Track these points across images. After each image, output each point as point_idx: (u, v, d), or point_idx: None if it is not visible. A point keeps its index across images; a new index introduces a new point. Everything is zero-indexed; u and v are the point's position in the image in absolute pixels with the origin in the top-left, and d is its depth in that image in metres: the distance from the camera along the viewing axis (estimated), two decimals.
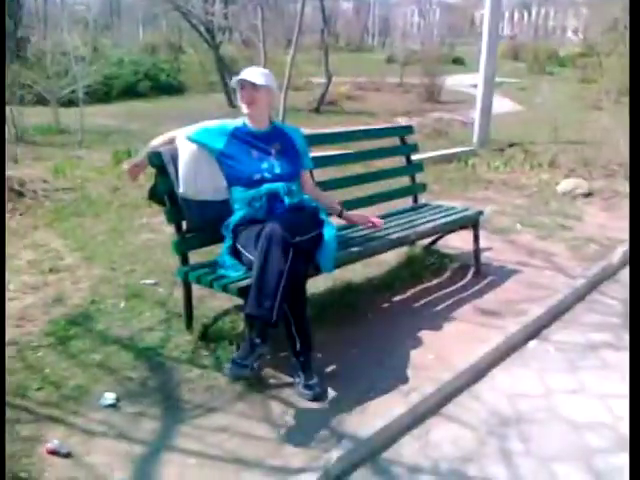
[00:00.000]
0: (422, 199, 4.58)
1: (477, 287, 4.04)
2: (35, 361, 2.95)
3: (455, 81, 18.75)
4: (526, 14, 55.81)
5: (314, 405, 2.74)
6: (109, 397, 2.67)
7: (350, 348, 3.23)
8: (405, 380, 2.95)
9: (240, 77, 3.05)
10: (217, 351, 3.05)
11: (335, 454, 2.35)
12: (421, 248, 4.39)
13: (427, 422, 2.69)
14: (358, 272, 4.01)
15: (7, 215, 5.22)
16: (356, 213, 3.56)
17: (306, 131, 3.48)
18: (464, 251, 4.47)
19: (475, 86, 11.21)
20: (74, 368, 2.90)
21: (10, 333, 3.19)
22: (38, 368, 2.89)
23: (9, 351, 3.02)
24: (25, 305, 3.54)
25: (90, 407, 2.63)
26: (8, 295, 3.66)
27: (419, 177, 4.53)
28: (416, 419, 2.69)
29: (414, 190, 4.46)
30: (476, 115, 8.94)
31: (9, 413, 2.55)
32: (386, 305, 3.75)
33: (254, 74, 3.06)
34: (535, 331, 3.51)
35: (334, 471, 2.32)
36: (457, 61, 26.75)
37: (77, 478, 2.23)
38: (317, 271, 3.04)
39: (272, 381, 2.89)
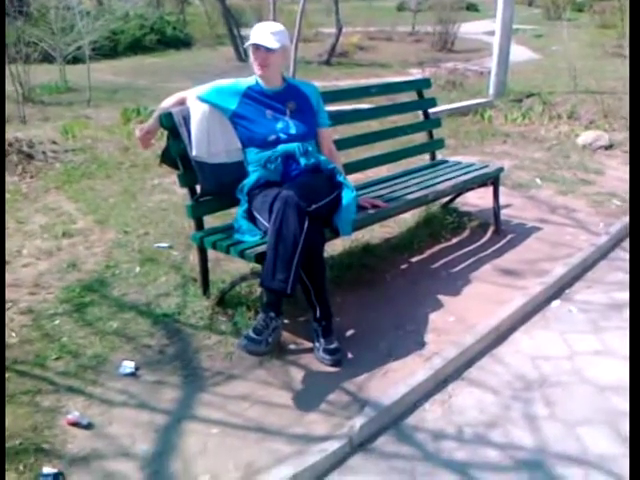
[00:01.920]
0: (439, 155, 4.47)
1: (497, 246, 3.95)
2: (52, 330, 2.93)
3: (469, 28, 18.23)
4: None
5: (335, 370, 2.70)
6: (128, 365, 2.65)
7: (369, 311, 3.18)
8: (426, 344, 2.91)
9: (254, 41, 2.90)
10: (235, 317, 3.00)
11: (358, 421, 2.33)
12: (439, 206, 4.29)
13: (450, 387, 2.66)
14: (376, 232, 3.94)
15: (16, 178, 5.17)
16: (362, 197, 3.32)
17: (318, 85, 3.34)
18: (483, 208, 4.37)
19: (490, 33, 10.87)
20: (91, 336, 2.88)
21: (25, 301, 3.18)
22: (55, 337, 2.87)
23: (25, 320, 3.01)
24: (39, 271, 3.50)
25: (109, 376, 2.61)
26: (22, 261, 3.64)
27: (436, 133, 4.39)
28: (438, 384, 2.65)
29: (432, 147, 4.34)
30: (493, 64, 8.65)
31: (29, 383, 2.54)
32: (405, 266, 3.69)
33: (267, 36, 2.88)
34: (557, 291, 3.44)
35: (358, 439, 2.29)
36: (471, 7, 25.90)
37: (100, 449, 2.23)
38: (335, 234, 2.96)
39: (292, 347, 2.86)
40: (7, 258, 3.66)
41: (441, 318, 3.13)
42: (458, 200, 4.36)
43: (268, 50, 2.90)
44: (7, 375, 2.59)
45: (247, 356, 2.72)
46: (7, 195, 4.76)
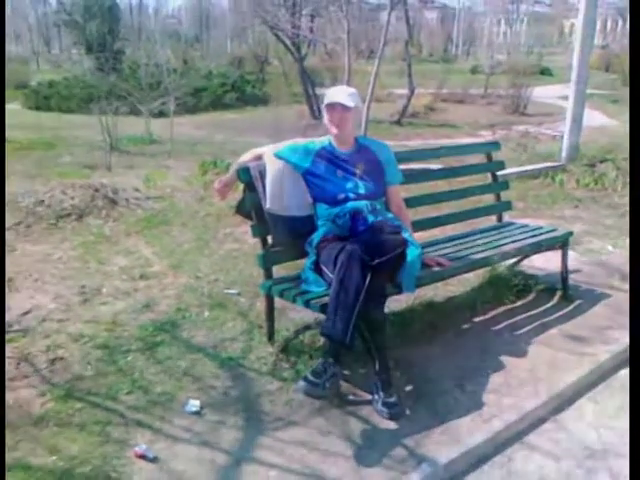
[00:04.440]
0: (506, 216, 4.48)
1: (564, 311, 3.89)
2: (125, 365, 3.10)
3: (543, 92, 18.24)
4: (620, 21, 53.47)
5: (392, 424, 2.72)
6: (194, 404, 2.77)
7: (429, 368, 3.19)
8: (486, 405, 2.88)
9: (331, 100, 3.09)
10: (297, 365, 3.09)
11: (414, 478, 2.33)
12: (504, 267, 4.28)
13: (509, 450, 2.62)
14: (439, 290, 3.97)
15: (101, 221, 5.52)
16: (427, 256, 3.38)
17: (388, 143, 3.48)
18: (550, 272, 4.32)
19: (564, 98, 10.87)
20: (161, 374, 3.02)
21: (102, 337, 3.37)
22: (127, 372, 3.03)
23: (100, 354, 3.19)
24: (116, 310, 3.71)
25: (175, 413, 2.73)
26: (101, 299, 3.87)
27: (504, 195, 4.42)
28: (497, 447, 2.62)
29: (499, 209, 4.36)
30: (565, 128, 8.61)
31: (100, 415, 2.69)
32: (467, 326, 3.69)
33: (344, 96, 3.08)
34: (626, 360, 3.35)
35: None
36: (545, 72, 25.99)
37: None
38: (399, 291, 3.03)
39: (351, 397, 2.90)
40: (87, 296, 3.91)
41: (502, 380, 3.10)
42: (524, 262, 4.34)
43: (345, 108, 3.07)
44: (80, 405, 2.75)
45: (307, 404, 2.79)
46: (91, 237, 5.09)
